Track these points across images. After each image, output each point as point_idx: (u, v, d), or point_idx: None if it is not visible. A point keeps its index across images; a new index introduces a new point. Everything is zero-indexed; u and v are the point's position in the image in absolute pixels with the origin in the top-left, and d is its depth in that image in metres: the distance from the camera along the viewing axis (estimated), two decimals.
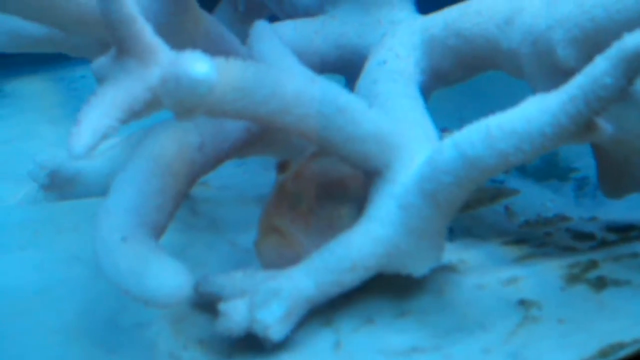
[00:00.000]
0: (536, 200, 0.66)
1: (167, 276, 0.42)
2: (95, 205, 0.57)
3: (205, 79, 0.38)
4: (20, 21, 0.64)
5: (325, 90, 0.48)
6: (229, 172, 0.71)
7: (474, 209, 0.63)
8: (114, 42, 0.42)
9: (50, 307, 0.54)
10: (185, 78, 0.38)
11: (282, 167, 0.54)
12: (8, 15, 0.53)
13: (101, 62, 0.42)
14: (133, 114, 0.41)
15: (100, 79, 0.42)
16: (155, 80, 0.41)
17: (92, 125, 0.39)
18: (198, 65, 0.38)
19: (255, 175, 0.74)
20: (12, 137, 0.91)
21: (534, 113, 0.44)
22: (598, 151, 0.57)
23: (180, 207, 0.53)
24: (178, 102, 0.39)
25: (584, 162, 0.71)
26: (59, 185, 0.70)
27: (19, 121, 0.96)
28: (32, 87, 1.07)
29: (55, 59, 1.08)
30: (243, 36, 0.62)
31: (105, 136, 0.40)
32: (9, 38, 0.65)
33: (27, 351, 0.49)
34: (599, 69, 0.42)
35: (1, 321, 0.52)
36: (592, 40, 0.49)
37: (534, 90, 0.54)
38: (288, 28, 0.66)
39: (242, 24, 0.76)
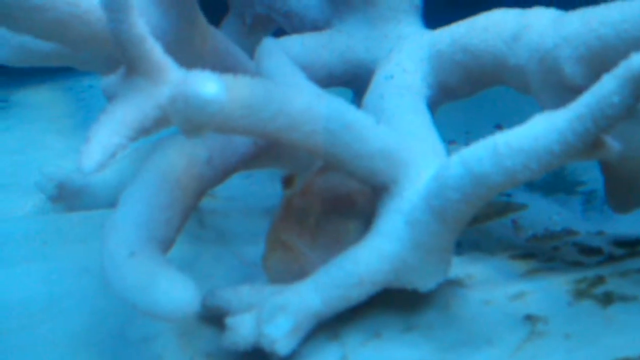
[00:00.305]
0: (543, 214, 0.66)
1: (175, 291, 0.42)
2: (104, 217, 0.57)
3: (215, 99, 0.38)
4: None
5: (333, 107, 0.48)
6: (237, 184, 0.71)
7: (482, 223, 0.63)
8: (123, 61, 0.42)
9: (57, 319, 0.54)
10: (194, 98, 0.38)
11: (287, 181, 0.55)
12: None
13: (111, 80, 0.42)
14: (143, 132, 0.42)
15: (110, 97, 0.42)
16: (165, 98, 0.42)
17: (102, 142, 0.39)
18: (207, 85, 0.38)
19: (263, 186, 0.74)
20: (19, 148, 0.91)
21: (541, 131, 0.45)
22: (605, 167, 0.58)
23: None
24: (187, 120, 0.40)
25: (591, 175, 0.71)
26: (67, 197, 0.70)
27: (26, 131, 0.96)
28: (40, 97, 1.08)
29: (62, 69, 1.09)
30: (250, 49, 0.62)
31: (115, 154, 0.40)
32: (18, 52, 0.65)
33: None
34: (607, 87, 0.43)
35: (8, 334, 0.53)
36: (599, 58, 0.49)
37: (541, 106, 0.55)
38: (295, 42, 0.66)
39: (249, 37, 0.76)
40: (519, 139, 0.45)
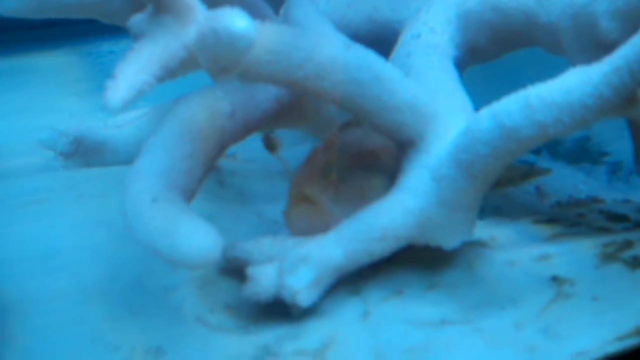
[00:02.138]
0: (568, 182, 0.65)
1: (198, 237, 0.42)
2: (123, 172, 0.57)
3: (245, 34, 0.37)
4: None
5: (362, 57, 0.47)
6: (256, 147, 0.70)
7: (505, 186, 0.62)
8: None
9: (69, 270, 0.53)
10: (224, 33, 0.37)
11: (267, 142, 0.55)
12: None
13: (139, 18, 0.42)
14: (169, 72, 0.41)
15: (137, 36, 0.41)
16: (192, 38, 0.41)
17: (129, 79, 0.38)
18: (238, 21, 0.38)
19: (282, 149, 0.73)
20: (34, 109, 0.90)
21: (575, 84, 0.44)
22: (636, 130, 0.56)
23: (208, 177, 0.53)
24: (215, 58, 0.39)
25: (617, 146, 0.69)
26: (84, 153, 0.69)
27: (42, 94, 0.95)
28: (57, 61, 1.06)
29: (82, 33, 1.08)
30: (274, 9, 0.61)
31: (141, 92, 0.39)
32: (36, 3, 0.63)
33: (52, 309, 0.49)
34: None
35: (19, 287, 0.52)
36: (637, 13, 0.48)
37: (573, 66, 0.53)
38: (320, 1, 0.65)
39: None
40: (551, 92, 0.44)
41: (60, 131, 0.69)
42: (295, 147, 0.70)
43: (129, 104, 0.39)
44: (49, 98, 0.93)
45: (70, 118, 0.83)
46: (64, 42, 1.08)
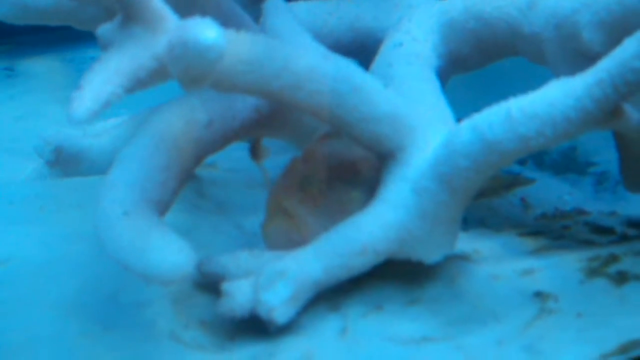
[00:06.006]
0: (553, 193, 0.64)
1: (170, 252, 0.41)
2: (100, 183, 0.55)
3: (214, 44, 0.36)
4: None
5: (340, 68, 0.46)
6: (238, 155, 0.70)
7: (489, 197, 0.62)
8: (121, 8, 0.40)
9: (52, 281, 0.52)
10: (193, 43, 0.36)
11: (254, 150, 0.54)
12: None
13: (107, 27, 0.40)
14: (138, 83, 0.40)
15: (105, 45, 0.40)
16: (162, 48, 0.40)
17: (95, 90, 0.37)
18: (207, 31, 0.37)
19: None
20: (21, 116, 0.90)
21: (557, 96, 0.43)
22: (621, 141, 0.55)
23: (187, 188, 0.52)
24: (185, 69, 0.38)
25: (603, 156, 0.69)
26: (63, 162, 0.69)
27: (28, 100, 0.95)
28: (42, 68, 1.07)
29: (65, 40, 1.07)
30: (254, 17, 0.60)
31: (108, 103, 0.38)
32: (15, 9, 0.64)
33: (26, 324, 0.49)
34: (628, 51, 0.41)
35: (5, 290, 0.51)
36: (620, 24, 0.47)
37: (556, 77, 0.53)
38: (301, 9, 0.64)
39: (252, 5, 0.74)
40: (533, 104, 0.43)
41: (44, 139, 0.69)
42: (278, 157, 0.69)
43: (95, 115, 0.38)
44: (36, 105, 0.93)
45: (56, 125, 0.84)
46: (48, 48, 1.08)
